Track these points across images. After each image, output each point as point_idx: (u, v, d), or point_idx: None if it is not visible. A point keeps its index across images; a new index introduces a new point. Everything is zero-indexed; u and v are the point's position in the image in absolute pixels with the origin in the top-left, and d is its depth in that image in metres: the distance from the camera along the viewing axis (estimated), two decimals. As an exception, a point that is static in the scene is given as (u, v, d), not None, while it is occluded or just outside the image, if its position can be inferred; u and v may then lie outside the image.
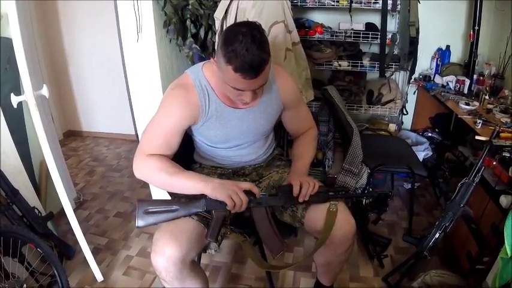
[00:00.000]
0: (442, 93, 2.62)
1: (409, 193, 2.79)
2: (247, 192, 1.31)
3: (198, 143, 1.60)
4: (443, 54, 2.96)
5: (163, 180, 1.35)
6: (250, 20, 2.09)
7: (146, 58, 2.12)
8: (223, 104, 1.45)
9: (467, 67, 2.75)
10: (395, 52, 2.80)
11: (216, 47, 2.26)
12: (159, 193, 2.44)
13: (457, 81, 2.68)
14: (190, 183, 1.31)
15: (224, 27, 2.20)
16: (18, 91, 1.96)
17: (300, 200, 1.37)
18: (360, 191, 2.19)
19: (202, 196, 1.32)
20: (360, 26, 2.81)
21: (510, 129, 1.92)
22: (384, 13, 2.61)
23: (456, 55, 2.98)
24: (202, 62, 1.49)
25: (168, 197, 1.60)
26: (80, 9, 3.67)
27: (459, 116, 2.26)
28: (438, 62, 2.98)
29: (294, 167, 1.55)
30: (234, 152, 1.59)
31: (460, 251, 1.98)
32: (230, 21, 2.16)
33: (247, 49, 1.15)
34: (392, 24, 2.95)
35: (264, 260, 1.77)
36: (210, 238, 1.31)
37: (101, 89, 4.06)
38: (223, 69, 1.22)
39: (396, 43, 2.73)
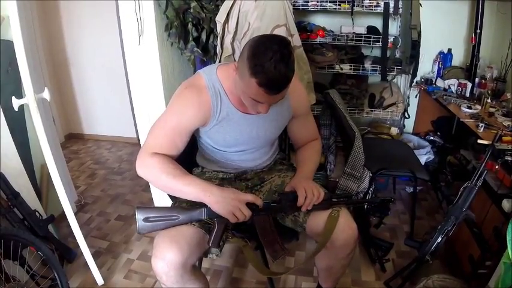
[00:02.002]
0: (444, 97, 2.61)
1: (411, 197, 2.80)
2: (250, 203, 1.31)
3: (203, 145, 1.59)
4: (445, 57, 2.96)
5: (163, 182, 1.34)
6: (251, 23, 2.09)
7: (148, 61, 2.12)
8: (234, 108, 1.44)
9: (469, 70, 2.75)
10: (397, 55, 2.80)
11: (218, 50, 2.26)
12: (160, 197, 2.44)
13: (459, 84, 2.68)
14: (190, 190, 1.30)
15: (226, 31, 2.20)
16: (20, 94, 1.96)
17: (303, 209, 1.37)
18: (361, 195, 2.18)
19: (203, 204, 1.31)
20: (362, 30, 2.81)
21: (512, 133, 1.91)
22: (385, 16, 2.62)
23: (458, 58, 2.98)
24: (217, 65, 1.49)
25: (169, 202, 1.60)
26: (82, 11, 3.68)
27: (461, 120, 2.25)
28: (440, 66, 2.97)
29: (299, 172, 1.55)
30: (239, 157, 1.58)
31: (462, 255, 1.96)
32: (232, 24, 2.15)
33: (275, 67, 1.15)
34: (394, 28, 2.95)
35: (265, 264, 1.78)
36: (213, 245, 1.31)
37: (102, 92, 4.07)
38: (246, 81, 1.21)
39: (398, 46, 2.73)
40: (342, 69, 2.87)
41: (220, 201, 1.27)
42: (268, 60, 1.15)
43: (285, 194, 1.43)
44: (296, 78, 1.55)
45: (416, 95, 3.15)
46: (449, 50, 2.94)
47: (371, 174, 2.17)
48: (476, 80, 2.64)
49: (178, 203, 1.47)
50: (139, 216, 1.31)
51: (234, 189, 1.36)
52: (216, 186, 1.32)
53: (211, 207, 1.28)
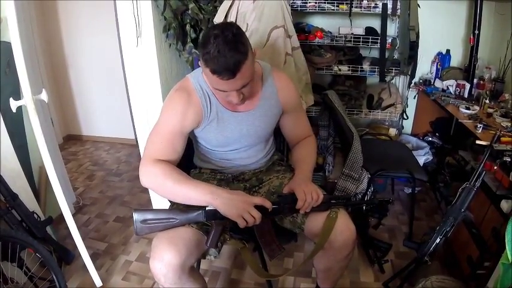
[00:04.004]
0: (443, 98, 2.62)
1: (410, 198, 2.79)
2: (257, 207, 1.29)
3: (198, 146, 1.60)
4: (443, 58, 2.96)
5: (168, 188, 1.32)
6: (249, 24, 2.10)
7: (146, 63, 2.12)
8: (223, 107, 1.46)
9: (468, 71, 2.75)
10: (396, 56, 2.80)
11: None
12: (158, 199, 2.44)
13: (457, 85, 2.68)
14: (196, 194, 1.29)
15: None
16: (18, 95, 1.96)
17: (302, 212, 1.37)
18: (360, 196, 2.18)
19: (201, 206, 1.30)
20: (360, 31, 2.81)
21: (511, 134, 1.91)
22: (383, 17, 2.62)
23: (456, 59, 2.98)
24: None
25: (167, 203, 1.59)
26: (80, 13, 3.68)
27: (460, 121, 2.25)
28: (438, 66, 2.97)
29: (298, 173, 1.52)
30: (234, 155, 1.59)
31: (461, 256, 1.96)
32: (230, 25, 2.15)
33: (219, 51, 1.17)
34: (392, 29, 2.95)
35: (264, 266, 1.77)
36: (210, 245, 1.31)
37: (101, 93, 4.06)
38: (205, 72, 1.26)
39: (396, 47, 2.73)
40: (340, 70, 2.87)
41: (229, 203, 1.26)
42: (212, 46, 1.18)
43: (283, 197, 1.43)
44: (283, 73, 1.63)
45: (415, 96, 3.15)
46: (448, 50, 2.95)
47: (369, 175, 2.17)
48: (475, 80, 2.64)
49: (176, 205, 1.47)
50: (137, 219, 1.30)
51: (241, 192, 1.35)
52: (223, 189, 1.32)
53: (219, 210, 1.27)
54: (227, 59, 1.17)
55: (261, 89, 1.51)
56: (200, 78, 1.44)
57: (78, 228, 1.95)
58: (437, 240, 1.70)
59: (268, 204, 1.31)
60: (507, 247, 1.35)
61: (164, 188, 1.34)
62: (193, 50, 2.25)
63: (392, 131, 3.03)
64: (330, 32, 2.87)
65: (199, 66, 1.31)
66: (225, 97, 1.34)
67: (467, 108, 2.33)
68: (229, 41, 1.18)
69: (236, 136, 1.51)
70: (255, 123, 1.52)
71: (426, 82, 2.95)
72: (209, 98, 1.43)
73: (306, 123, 1.72)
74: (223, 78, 1.21)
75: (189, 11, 2.18)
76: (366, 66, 2.85)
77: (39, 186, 2.35)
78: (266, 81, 1.52)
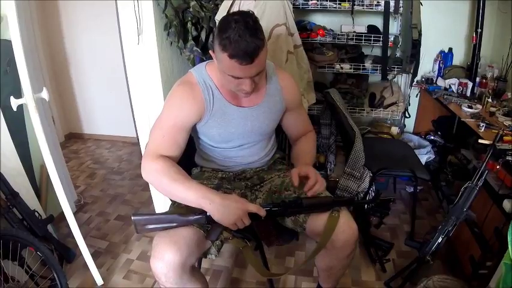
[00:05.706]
0: (445, 96, 2.60)
1: (412, 196, 2.79)
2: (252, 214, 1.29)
3: (201, 144, 1.60)
4: (445, 56, 2.95)
5: (164, 186, 1.31)
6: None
7: (147, 61, 2.11)
8: (227, 102, 1.45)
9: (470, 70, 2.74)
10: (398, 55, 2.79)
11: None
12: (159, 197, 2.43)
13: (460, 83, 2.67)
14: (190, 196, 1.27)
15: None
16: (19, 94, 1.95)
17: (310, 194, 1.36)
18: (362, 194, 2.18)
19: (202, 211, 1.28)
20: (362, 29, 2.80)
21: (513, 133, 1.90)
22: (386, 15, 2.61)
23: (459, 58, 2.97)
24: (206, 62, 1.51)
25: (168, 202, 1.59)
26: (81, 11, 3.68)
27: (462, 119, 2.24)
28: (441, 65, 2.96)
29: (302, 162, 1.51)
30: (236, 153, 1.58)
31: (463, 256, 1.96)
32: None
33: (240, 35, 1.17)
34: (394, 27, 2.94)
35: (265, 265, 1.77)
36: (211, 238, 1.32)
37: (102, 91, 4.06)
38: (220, 58, 1.25)
39: (398, 46, 2.73)
40: (342, 68, 2.87)
41: (222, 210, 1.24)
42: (233, 31, 1.18)
43: (287, 203, 1.40)
44: (286, 72, 1.64)
45: (417, 95, 3.14)
46: (450, 49, 2.93)
47: (371, 174, 2.16)
48: (477, 79, 2.63)
49: (177, 203, 1.46)
50: (137, 223, 1.31)
51: (236, 197, 1.31)
52: (217, 193, 1.28)
53: (211, 215, 1.25)
54: (248, 43, 1.18)
55: (265, 85, 1.51)
56: (203, 72, 1.45)
57: (79, 226, 1.95)
58: (439, 240, 1.70)
59: (262, 213, 1.30)
60: (509, 247, 1.34)
61: (161, 185, 1.33)
62: (195, 48, 2.24)
63: (394, 130, 3.02)
64: (332, 30, 2.86)
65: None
66: (236, 86, 1.32)
67: (470, 107, 2.32)
68: (250, 27, 1.19)
69: (239, 131, 1.50)
70: (260, 119, 1.52)
71: (428, 80, 2.93)
72: (212, 91, 1.43)
73: (307, 119, 1.74)
74: (242, 63, 1.21)
75: (190, 9, 2.17)
76: (368, 64, 2.84)
77: (40, 185, 2.35)
78: (270, 78, 1.53)
